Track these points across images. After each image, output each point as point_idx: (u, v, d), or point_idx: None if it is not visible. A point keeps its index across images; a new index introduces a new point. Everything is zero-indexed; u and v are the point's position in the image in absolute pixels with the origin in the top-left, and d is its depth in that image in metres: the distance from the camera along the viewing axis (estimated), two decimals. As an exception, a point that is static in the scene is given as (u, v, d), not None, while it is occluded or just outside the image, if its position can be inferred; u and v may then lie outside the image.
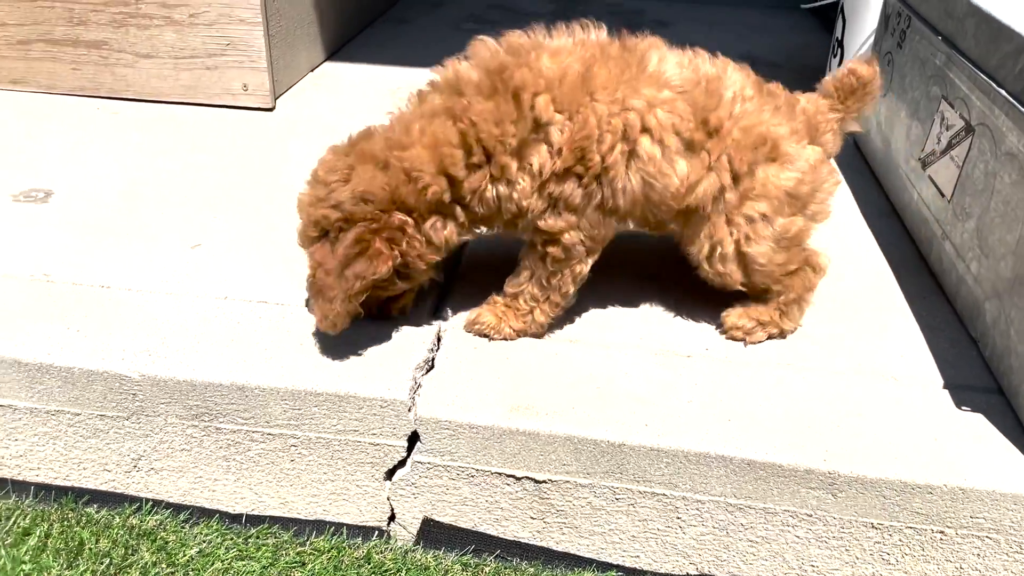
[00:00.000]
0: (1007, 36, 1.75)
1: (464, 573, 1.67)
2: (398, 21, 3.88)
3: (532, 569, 1.68)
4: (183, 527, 1.73)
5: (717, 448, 1.51)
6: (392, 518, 1.70)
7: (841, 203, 2.38)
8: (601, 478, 1.57)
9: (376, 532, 1.72)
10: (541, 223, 1.61)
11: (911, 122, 2.24)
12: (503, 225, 1.67)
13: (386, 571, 1.65)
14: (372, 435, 1.61)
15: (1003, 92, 1.73)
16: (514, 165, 1.56)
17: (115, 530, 1.70)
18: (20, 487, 1.78)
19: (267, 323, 1.75)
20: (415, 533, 1.70)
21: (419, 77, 1.72)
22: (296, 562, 1.66)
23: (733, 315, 1.79)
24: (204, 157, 2.48)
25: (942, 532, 1.51)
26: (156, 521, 1.73)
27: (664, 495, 1.57)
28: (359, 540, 1.72)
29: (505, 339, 1.74)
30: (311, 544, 1.71)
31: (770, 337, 1.79)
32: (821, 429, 1.56)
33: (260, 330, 1.73)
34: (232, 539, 1.70)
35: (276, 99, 2.86)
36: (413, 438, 1.60)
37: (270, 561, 1.65)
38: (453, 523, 1.68)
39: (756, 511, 1.55)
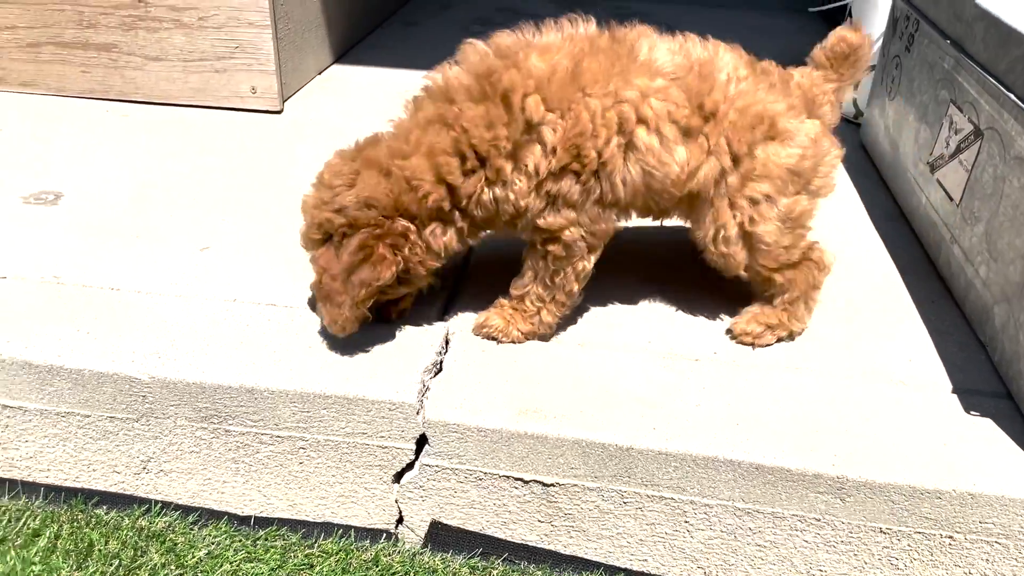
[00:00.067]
0: (1016, 40, 1.74)
1: (472, 576, 1.67)
2: (406, 24, 3.88)
3: (540, 572, 1.69)
4: (192, 529, 1.73)
5: (725, 452, 1.51)
6: (400, 521, 1.70)
7: (849, 207, 2.38)
8: (609, 481, 1.57)
9: (384, 535, 1.73)
10: (540, 221, 1.61)
11: (919, 126, 2.24)
12: (503, 226, 1.67)
13: (394, 574, 1.65)
14: (380, 438, 1.61)
15: (1012, 96, 1.72)
16: (509, 167, 1.56)
17: (124, 532, 1.70)
18: (30, 488, 1.79)
19: (276, 325, 1.76)
20: (423, 536, 1.71)
21: (427, 81, 1.72)
22: (304, 564, 1.66)
23: (742, 322, 1.79)
24: (213, 159, 2.49)
25: (951, 537, 1.51)
26: (165, 523, 1.74)
27: (672, 499, 1.57)
28: (367, 542, 1.73)
29: (513, 342, 1.74)
30: (319, 546, 1.71)
31: (779, 340, 1.79)
32: (830, 433, 1.56)
33: (269, 332, 1.74)
34: (241, 541, 1.71)
35: (284, 102, 2.88)
36: (421, 441, 1.61)
37: (278, 563, 1.66)
38: (461, 526, 1.68)
39: (764, 515, 1.55)
